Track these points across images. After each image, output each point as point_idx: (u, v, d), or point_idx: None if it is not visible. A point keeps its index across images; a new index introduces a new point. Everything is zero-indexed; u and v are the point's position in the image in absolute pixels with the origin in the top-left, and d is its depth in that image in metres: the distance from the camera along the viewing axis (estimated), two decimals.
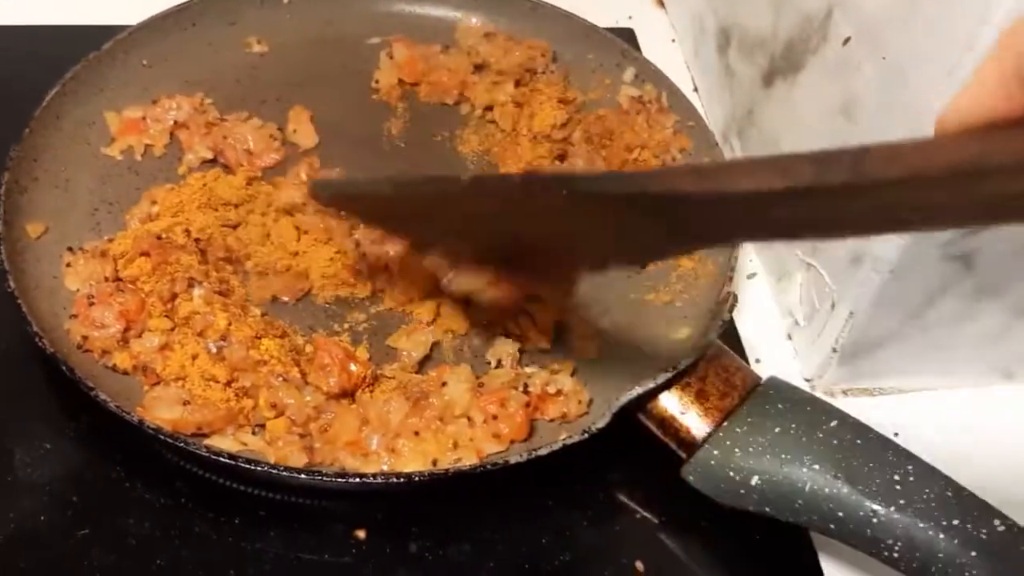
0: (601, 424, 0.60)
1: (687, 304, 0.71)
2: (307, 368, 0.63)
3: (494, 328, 0.68)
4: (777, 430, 0.58)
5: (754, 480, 0.57)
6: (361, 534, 0.61)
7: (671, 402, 0.61)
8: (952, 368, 0.72)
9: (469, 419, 0.62)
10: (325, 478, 0.58)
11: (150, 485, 0.61)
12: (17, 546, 0.58)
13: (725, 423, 0.60)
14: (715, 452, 0.59)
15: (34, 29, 0.87)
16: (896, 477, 0.55)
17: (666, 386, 0.61)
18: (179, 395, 0.61)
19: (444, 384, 0.63)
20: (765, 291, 0.78)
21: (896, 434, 0.58)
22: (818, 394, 0.65)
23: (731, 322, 0.72)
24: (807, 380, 0.72)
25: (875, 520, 0.54)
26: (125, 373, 0.62)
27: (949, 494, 0.54)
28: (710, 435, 0.59)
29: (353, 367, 0.63)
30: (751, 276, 0.79)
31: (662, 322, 0.70)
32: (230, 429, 0.61)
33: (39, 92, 0.73)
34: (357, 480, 0.57)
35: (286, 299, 0.69)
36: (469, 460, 0.60)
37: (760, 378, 0.62)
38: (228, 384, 0.62)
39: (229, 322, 0.64)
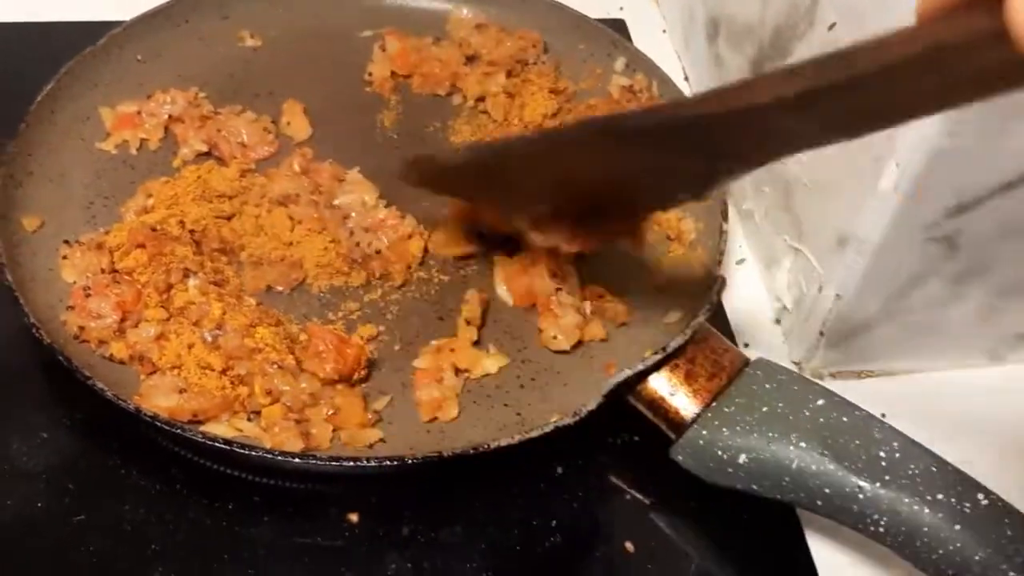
0: (591, 406, 0.60)
1: (677, 288, 0.72)
2: (302, 356, 0.64)
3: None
4: (764, 409, 0.59)
5: (742, 459, 0.58)
6: (354, 517, 0.61)
7: (660, 383, 0.62)
8: (939, 350, 0.72)
9: None
10: (319, 462, 0.58)
11: (146, 472, 0.62)
12: (14, 533, 0.59)
13: (713, 403, 0.60)
14: (704, 432, 0.59)
15: (28, 25, 0.88)
16: (882, 453, 0.55)
17: (655, 368, 0.62)
18: (175, 383, 0.61)
19: None
20: (754, 276, 0.79)
21: (883, 415, 0.59)
22: (806, 376, 0.65)
23: (720, 308, 0.73)
24: (795, 363, 0.73)
25: (861, 496, 0.55)
26: (121, 363, 0.63)
27: (934, 469, 0.55)
28: (699, 415, 0.60)
29: (348, 350, 0.63)
30: (740, 262, 0.79)
31: (653, 306, 0.71)
32: (225, 416, 0.61)
33: (34, 87, 0.73)
34: (351, 463, 0.58)
35: (280, 289, 0.70)
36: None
37: (748, 359, 0.63)
38: (223, 372, 0.62)
39: (224, 311, 0.64)
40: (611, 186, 0.55)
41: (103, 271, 0.66)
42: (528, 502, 0.63)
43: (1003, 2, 0.29)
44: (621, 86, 0.84)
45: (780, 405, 0.59)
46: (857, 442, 0.56)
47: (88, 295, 0.64)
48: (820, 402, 0.59)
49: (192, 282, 0.66)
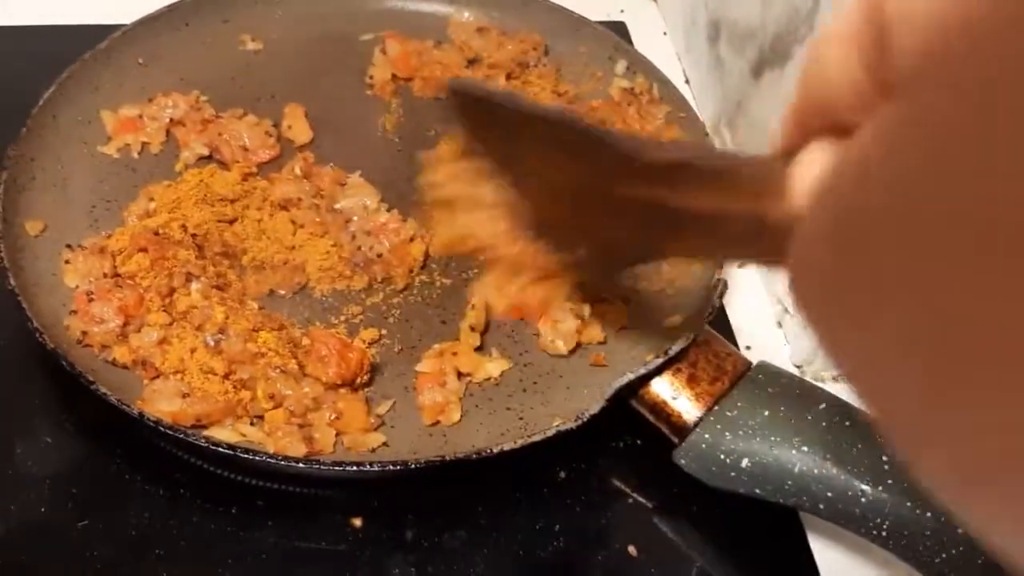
0: (594, 410, 0.60)
1: (678, 292, 0.72)
2: (304, 360, 0.64)
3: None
4: (767, 413, 0.59)
5: (744, 463, 0.58)
6: (357, 522, 0.61)
7: (663, 387, 0.62)
8: None
9: None
10: (322, 466, 0.58)
11: (149, 477, 0.62)
12: (18, 538, 0.59)
13: (716, 407, 0.60)
14: (706, 436, 0.60)
15: (30, 29, 0.88)
16: (884, 457, 0.55)
17: (657, 372, 0.62)
18: (178, 388, 0.61)
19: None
20: (756, 279, 0.79)
21: None
22: (808, 380, 0.65)
23: (722, 310, 0.73)
24: (797, 367, 0.73)
25: (863, 499, 0.55)
26: (124, 367, 0.63)
27: None
28: (701, 419, 0.60)
29: (351, 355, 0.63)
30: (741, 264, 0.79)
31: (654, 309, 0.71)
32: (229, 420, 0.61)
33: (36, 91, 0.74)
34: (354, 468, 0.58)
35: (283, 292, 0.70)
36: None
37: (750, 363, 0.63)
38: (226, 376, 0.62)
39: (227, 315, 0.65)
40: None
41: (106, 275, 0.67)
42: (531, 506, 0.63)
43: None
44: (622, 89, 0.84)
45: (782, 409, 0.59)
46: (859, 446, 0.56)
47: (91, 299, 0.64)
48: (822, 406, 0.59)
49: (195, 286, 0.66)
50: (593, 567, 0.62)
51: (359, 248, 0.71)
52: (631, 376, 0.61)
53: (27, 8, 0.89)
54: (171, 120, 0.78)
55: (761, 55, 0.79)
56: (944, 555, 0.53)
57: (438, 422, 0.63)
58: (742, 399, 0.60)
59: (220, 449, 0.58)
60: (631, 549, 0.62)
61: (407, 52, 0.85)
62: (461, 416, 0.64)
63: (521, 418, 0.65)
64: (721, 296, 0.66)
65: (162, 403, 0.60)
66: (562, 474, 0.65)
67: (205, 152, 0.77)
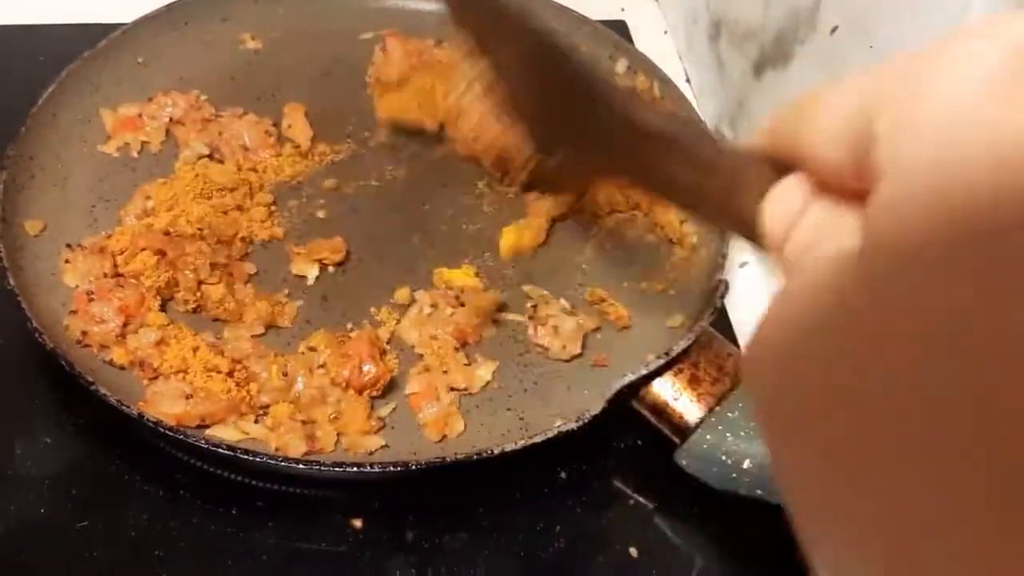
0: (595, 411, 0.60)
1: (680, 292, 0.72)
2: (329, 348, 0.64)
3: None
4: None
5: (746, 463, 0.58)
6: (358, 523, 0.61)
7: (664, 388, 0.62)
8: None
9: None
10: (323, 468, 0.58)
11: (149, 477, 0.62)
12: (18, 539, 0.59)
13: (717, 408, 0.60)
14: (708, 437, 0.59)
15: (29, 28, 0.88)
16: None
17: (659, 372, 0.62)
18: (181, 389, 0.61)
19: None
20: (757, 280, 0.79)
21: None
22: None
23: (724, 311, 0.73)
24: None
25: None
26: (122, 368, 0.63)
27: None
28: (703, 420, 0.60)
29: (368, 367, 0.63)
30: (743, 265, 0.79)
31: (656, 310, 0.71)
32: (232, 418, 0.61)
33: (35, 90, 0.73)
34: (355, 469, 0.58)
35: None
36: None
37: None
38: (230, 374, 0.62)
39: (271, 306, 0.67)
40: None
41: (106, 275, 0.66)
42: (532, 507, 0.63)
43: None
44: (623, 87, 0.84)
45: None
46: None
47: (91, 299, 0.64)
48: None
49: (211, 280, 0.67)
50: (594, 568, 0.62)
51: None
52: (632, 377, 0.61)
53: (27, 6, 0.89)
54: (171, 119, 0.78)
55: (762, 54, 0.78)
56: None
57: (445, 436, 0.63)
58: (744, 400, 0.60)
59: (220, 450, 0.57)
60: (632, 550, 0.62)
61: (407, 51, 0.84)
62: (464, 425, 0.64)
63: (522, 419, 0.64)
64: (723, 297, 0.65)
65: (165, 405, 0.60)
66: (563, 475, 0.65)
67: (205, 151, 0.76)
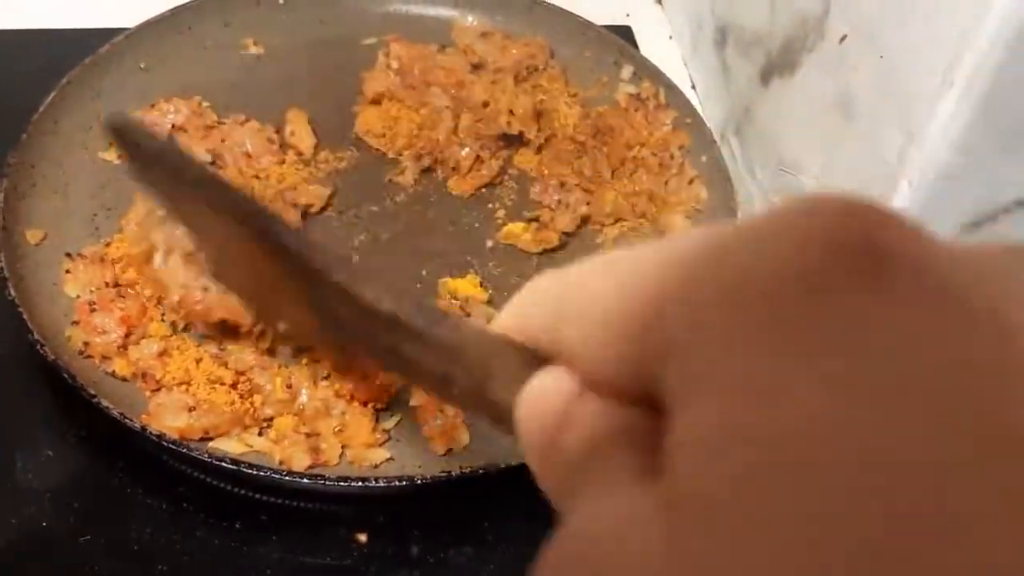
0: None
1: None
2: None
3: None
4: None
5: None
6: (363, 537, 0.61)
7: None
8: None
9: None
10: (328, 482, 0.58)
11: (152, 491, 0.61)
12: (19, 552, 0.58)
13: None
14: None
15: (30, 33, 0.87)
16: None
17: None
18: (184, 401, 0.61)
19: None
20: None
21: None
22: None
23: None
24: None
25: None
26: (125, 380, 0.63)
27: None
28: None
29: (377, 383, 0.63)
30: None
31: None
32: (235, 431, 0.61)
33: (36, 97, 0.73)
34: (360, 484, 0.58)
35: None
36: None
37: None
38: (233, 386, 0.62)
39: None
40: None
41: (107, 284, 0.66)
42: (538, 522, 0.62)
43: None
44: (628, 94, 0.84)
45: None
46: None
47: (93, 309, 0.64)
48: None
49: None
50: None
51: None
52: None
53: (27, 12, 0.88)
54: (173, 126, 0.77)
55: (769, 61, 0.78)
56: None
57: (451, 449, 0.62)
58: None
59: (224, 463, 0.57)
60: None
61: (410, 57, 0.84)
62: (470, 438, 0.63)
63: None
64: None
65: (168, 417, 0.60)
66: None
67: (208, 158, 0.76)
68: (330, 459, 0.60)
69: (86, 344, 0.62)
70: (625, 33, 0.94)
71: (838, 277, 0.15)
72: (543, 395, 0.23)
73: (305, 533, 0.61)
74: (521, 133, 0.78)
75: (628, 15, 0.97)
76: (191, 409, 0.60)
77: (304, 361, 0.64)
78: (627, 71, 0.85)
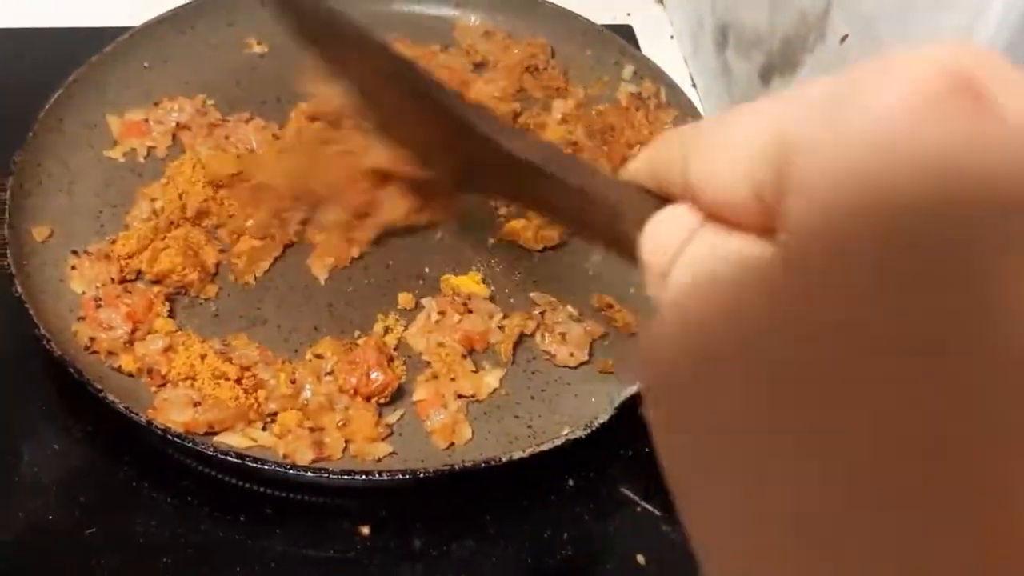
0: (603, 418, 0.60)
1: None
2: (336, 356, 0.64)
3: None
4: None
5: None
6: (366, 530, 0.61)
7: None
8: None
9: None
10: (331, 475, 0.58)
11: (157, 484, 0.62)
12: (25, 545, 0.59)
13: None
14: None
15: (35, 32, 0.88)
16: None
17: None
18: (189, 396, 0.61)
19: None
20: None
21: None
22: None
23: None
24: None
25: None
26: (130, 375, 0.63)
27: None
28: None
29: (376, 375, 0.63)
30: None
31: None
32: (240, 425, 0.61)
33: (41, 96, 0.73)
34: (363, 477, 0.58)
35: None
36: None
37: None
38: (238, 381, 0.62)
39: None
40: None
41: (112, 280, 0.66)
42: (539, 515, 0.63)
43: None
44: (629, 93, 0.84)
45: None
46: None
47: (99, 305, 0.64)
48: None
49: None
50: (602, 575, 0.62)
51: None
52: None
53: (32, 11, 0.89)
54: (177, 124, 0.78)
55: (769, 60, 0.78)
56: None
57: (453, 444, 0.63)
58: None
59: (228, 457, 0.57)
60: (640, 557, 0.62)
61: (413, 56, 0.84)
62: (472, 433, 0.64)
63: (529, 426, 0.64)
64: None
65: (173, 413, 0.60)
66: (571, 482, 0.65)
67: None
68: (333, 453, 0.61)
69: (92, 340, 0.63)
70: (626, 32, 0.94)
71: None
72: (666, 226, 0.27)
73: (309, 526, 0.61)
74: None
75: (629, 14, 0.98)
76: (196, 404, 0.61)
77: (308, 357, 0.64)
78: (628, 70, 0.85)
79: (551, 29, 0.87)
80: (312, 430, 0.62)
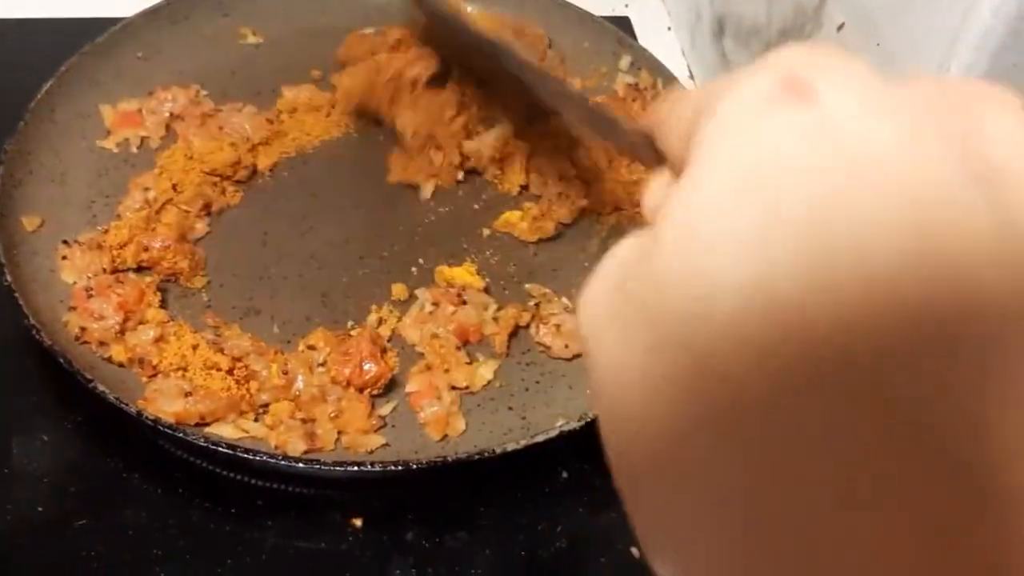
0: None
1: None
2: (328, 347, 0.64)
3: None
4: None
5: None
6: (358, 522, 0.61)
7: None
8: None
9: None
10: (323, 467, 0.58)
11: (147, 476, 0.61)
12: (15, 537, 0.58)
13: None
14: None
15: (28, 22, 0.87)
16: None
17: None
18: (180, 387, 0.61)
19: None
20: None
21: None
22: None
23: None
24: None
25: None
26: (121, 365, 0.63)
27: None
28: None
29: (369, 366, 0.63)
30: None
31: None
32: (231, 416, 0.61)
33: (34, 85, 0.73)
34: (355, 468, 0.58)
35: None
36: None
37: None
38: (230, 372, 0.62)
39: None
40: None
41: (104, 271, 0.66)
42: (533, 507, 0.63)
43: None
44: (626, 84, 0.84)
45: None
46: None
47: (90, 295, 0.64)
48: None
49: None
50: (596, 568, 0.62)
51: None
52: None
53: (25, 1, 0.88)
54: (170, 114, 0.77)
55: (767, 51, 0.77)
56: None
57: (446, 435, 0.62)
58: None
59: (220, 448, 0.57)
60: (634, 550, 0.61)
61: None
62: (466, 425, 0.63)
63: (523, 418, 0.64)
64: None
65: (164, 403, 0.60)
66: (564, 474, 0.64)
67: None
68: (326, 445, 0.60)
69: (83, 330, 0.63)
70: (624, 24, 0.94)
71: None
72: (658, 181, 0.30)
73: (300, 518, 0.61)
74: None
75: (627, 5, 0.97)
76: (187, 394, 0.60)
77: (301, 348, 0.64)
78: (625, 61, 0.85)
79: (548, 20, 0.87)
80: (304, 421, 0.61)
